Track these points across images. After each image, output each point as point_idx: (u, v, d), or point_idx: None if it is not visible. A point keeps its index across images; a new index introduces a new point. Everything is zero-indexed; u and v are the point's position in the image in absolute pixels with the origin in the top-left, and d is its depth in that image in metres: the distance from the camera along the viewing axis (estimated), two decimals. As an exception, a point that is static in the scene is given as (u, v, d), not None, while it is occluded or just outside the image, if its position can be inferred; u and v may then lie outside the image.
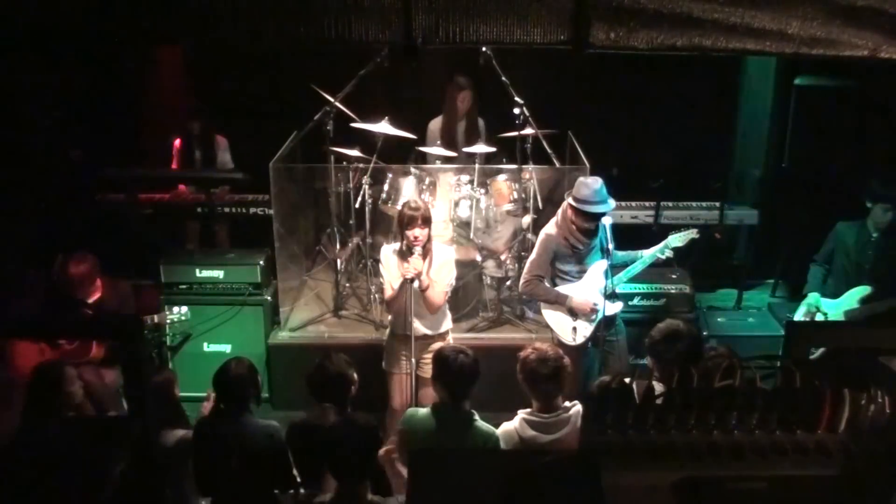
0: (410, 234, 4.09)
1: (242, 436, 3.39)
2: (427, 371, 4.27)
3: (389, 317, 4.53)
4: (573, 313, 4.51)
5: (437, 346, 4.29)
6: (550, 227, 4.54)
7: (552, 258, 4.52)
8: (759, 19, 2.42)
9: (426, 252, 4.16)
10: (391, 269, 4.25)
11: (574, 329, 4.52)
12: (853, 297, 4.74)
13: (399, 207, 5.25)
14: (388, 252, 4.32)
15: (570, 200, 4.38)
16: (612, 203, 4.37)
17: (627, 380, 2.23)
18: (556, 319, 4.59)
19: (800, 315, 4.88)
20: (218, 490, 3.45)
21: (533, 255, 4.61)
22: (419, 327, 4.25)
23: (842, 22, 2.43)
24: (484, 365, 3.56)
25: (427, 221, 4.12)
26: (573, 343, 4.52)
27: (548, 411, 3.41)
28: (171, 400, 3.84)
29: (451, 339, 4.45)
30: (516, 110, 5.19)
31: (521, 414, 3.48)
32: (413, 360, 4.27)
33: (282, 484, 3.45)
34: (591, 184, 4.32)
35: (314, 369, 3.58)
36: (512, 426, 3.48)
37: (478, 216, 5.42)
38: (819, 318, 4.79)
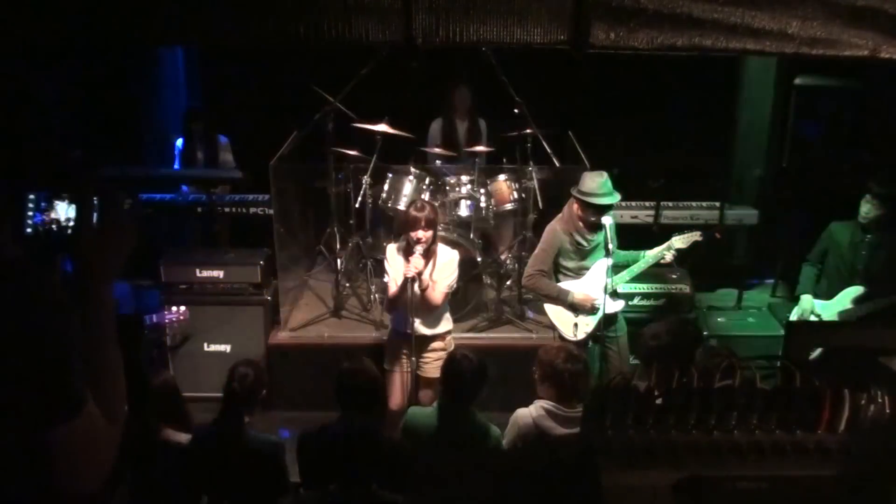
0: (413, 235, 4.09)
1: (242, 447, 3.34)
2: (426, 371, 4.28)
3: (391, 316, 4.53)
4: (575, 309, 4.52)
5: (436, 346, 4.31)
6: (556, 223, 4.57)
7: (556, 254, 4.54)
8: (759, 19, 2.42)
9: (429, 253, 4.16)
10: (395, 268, 4.25)
11: (575, 325, 4.54)
12: (846, 298, 4.72)
13: (399, 207, 5.27)
14: (392, 250, 4.34)
15: (575, 193, 4.40)
16: (617, 196, 4.40)
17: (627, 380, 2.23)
18: (557, 315, 4.60)
19: (793, 317, 4.88)
20: (213, 493, 3.44)
21: (537, 251, 4.62)
22: (418, 327, 4.26)
23: (842, 22, 2.43)
24: (483, 365, 3.55)
25: (430, 224, 4.13)
26: (574, 339, 4.53)
27: (568, 406, 3.41)
28: (178, 401, 3.78)
29: (451, 339, 4.45)
30: (516, 110, 5.19)
31: (541, 403, 3.44)
32: (413, 358, 4.27)
33: (277, 494, 3.43)
34: (597, 177, 4.37)
35: (346, 375, 3.36)
36: (528, 413, 3.43)
37: (478, 216, 5.41)
38: (812, 319, 4.78)
